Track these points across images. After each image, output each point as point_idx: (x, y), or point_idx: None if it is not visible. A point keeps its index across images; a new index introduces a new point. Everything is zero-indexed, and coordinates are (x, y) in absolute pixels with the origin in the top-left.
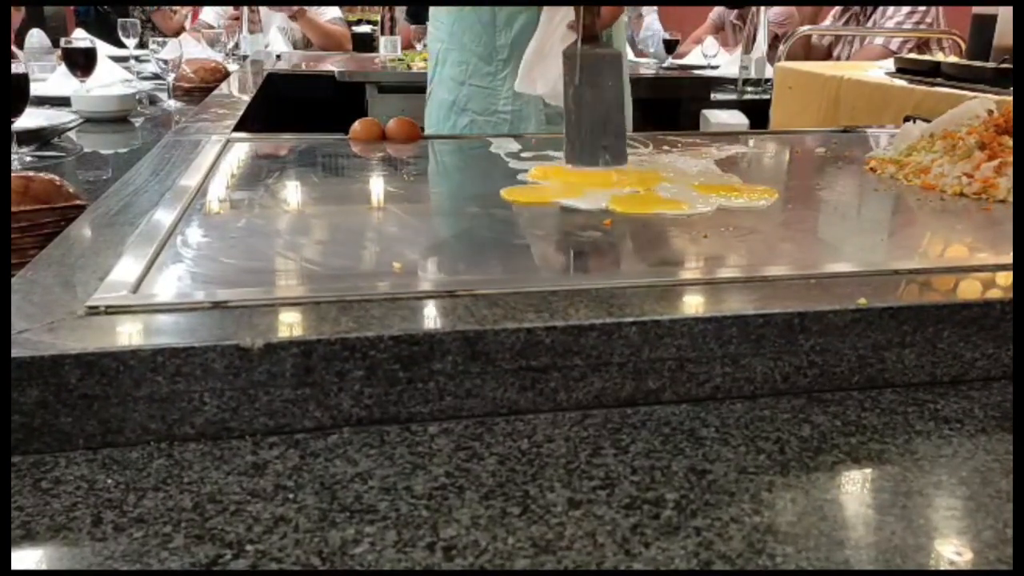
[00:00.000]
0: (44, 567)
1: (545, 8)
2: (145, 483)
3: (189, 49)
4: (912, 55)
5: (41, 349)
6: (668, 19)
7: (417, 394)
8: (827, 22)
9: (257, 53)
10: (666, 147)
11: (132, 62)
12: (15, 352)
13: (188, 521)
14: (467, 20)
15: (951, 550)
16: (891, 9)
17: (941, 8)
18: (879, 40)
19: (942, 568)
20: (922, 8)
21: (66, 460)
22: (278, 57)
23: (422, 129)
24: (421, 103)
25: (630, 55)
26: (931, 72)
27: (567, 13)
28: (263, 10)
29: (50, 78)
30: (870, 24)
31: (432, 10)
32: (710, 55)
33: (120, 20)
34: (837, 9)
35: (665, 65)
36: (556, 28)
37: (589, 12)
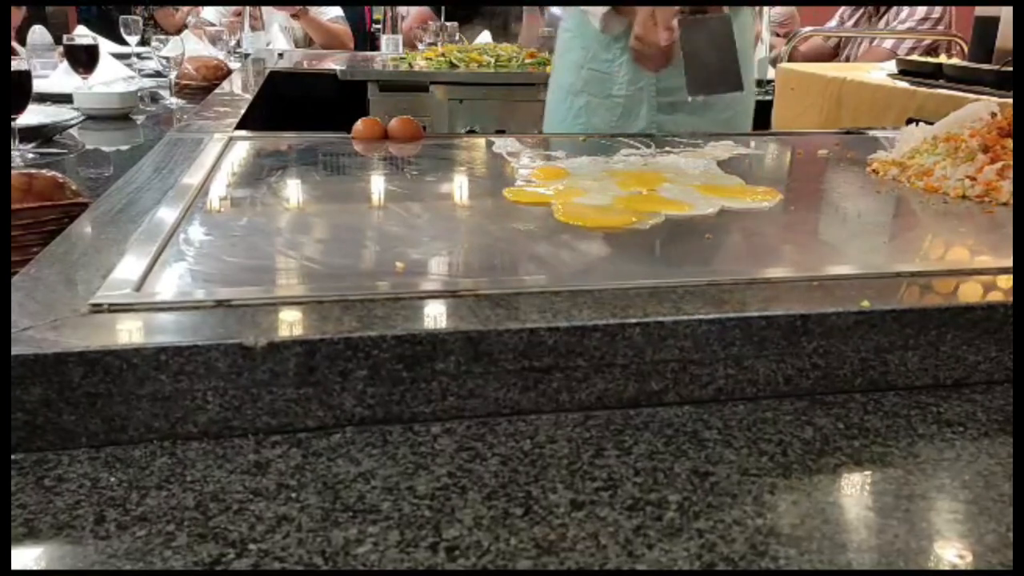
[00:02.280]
0: (47, 565)
1: None
2: (148, 481)
3: (191, 47)
4: (917, 57)
5: (45, 347)
6: None
7: (420, 394)
8: (833, 22)
9: (259, 51)
10: (668, 148)
11: (134, 59)
12: (19, 349)
13: (191, 520)
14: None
15: (953, 553)
16: (904, 12)
17: (955, 10)
18: (888, 43)
19: (944, 571)
20: (937, 12)
21: (69, 458)
22: (280, 55)
23: (424, 128)
24: (422, 102)
25: None
26: (933, 74)
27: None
28: (265, 8)
29: (52, 75)
30: (882, 25)
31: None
32: None
33: (122, 17)
34: (847, 8)
35: None
36: None
37: None
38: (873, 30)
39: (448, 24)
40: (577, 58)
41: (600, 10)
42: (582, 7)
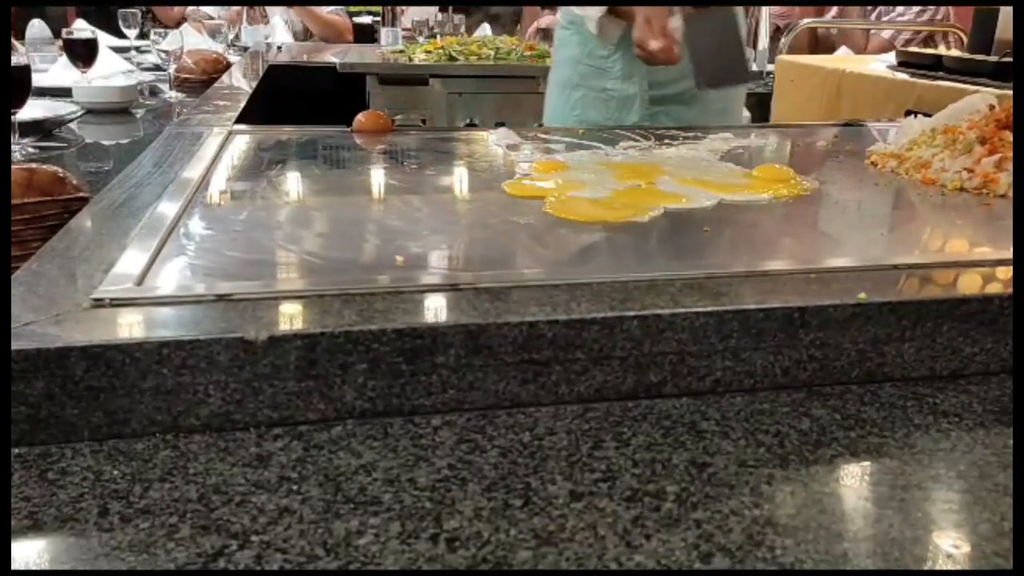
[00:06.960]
0: (51, 557)
1: None
2: (151, 474)
3: (190, 40)
4: (916, 49)
5: (47, 341)
6: None
7: (420, 387)
8: (832, 12)
9: (258, 44)
10: (667, 140)
11: (133, 53)
12: (22, 344)
13: (194, 512)
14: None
15: (949, 543)
16: (900, 7)
17: (952, 9)
18: (885, 34)
19: (940, 561)
20: (932, 7)
21: (72, 451)
22: (279, 48)
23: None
24: (422, 95)
25: None
26: (933, 66)
27: None
28: None
29: (51, 69)
30: (874, 17)
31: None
32: None
33: (120, 11)
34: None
35: None
36: None
37: None
38: (871, 22)
39: (455, 16)
40: (574, 53)
41: (595, 14)
42: (578, 10)
